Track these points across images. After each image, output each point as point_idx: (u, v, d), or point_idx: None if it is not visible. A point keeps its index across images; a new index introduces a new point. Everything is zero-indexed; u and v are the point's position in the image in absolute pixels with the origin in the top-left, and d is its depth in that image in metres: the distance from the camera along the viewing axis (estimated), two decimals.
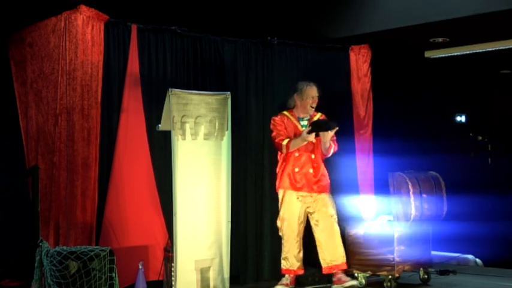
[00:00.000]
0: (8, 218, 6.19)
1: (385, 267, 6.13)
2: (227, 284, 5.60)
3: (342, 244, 6.20)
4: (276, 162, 6.79)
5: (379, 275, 6.25)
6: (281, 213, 6.23)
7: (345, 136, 6.73)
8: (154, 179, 6.11)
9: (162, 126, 5.57)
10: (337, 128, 6.06)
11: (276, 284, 6.21)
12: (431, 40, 7.80)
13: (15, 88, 6.25)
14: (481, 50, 8.04)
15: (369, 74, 7.35)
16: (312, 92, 6.24)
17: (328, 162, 6.39)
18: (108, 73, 5.97)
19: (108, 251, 4.94)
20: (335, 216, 6.20)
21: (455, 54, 8.22)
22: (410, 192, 6.11)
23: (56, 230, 5.69)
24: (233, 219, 5.73)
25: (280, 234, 6.25)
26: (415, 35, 7.54)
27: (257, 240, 6.66)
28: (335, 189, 6.43)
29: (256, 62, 6.80)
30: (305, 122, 6.27)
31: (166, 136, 5.61)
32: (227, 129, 5.67)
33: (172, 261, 5.49)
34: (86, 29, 5.79)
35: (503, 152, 10.59)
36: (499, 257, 8.24)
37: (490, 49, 7.95)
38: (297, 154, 6.19)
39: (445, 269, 6.93)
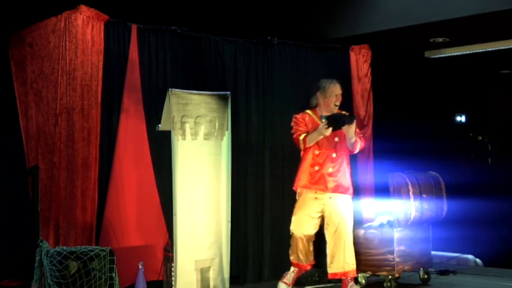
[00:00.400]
0: (8, 218, 6.19)
1: (385, 267, 6.13)
2: (227, 284, 5.60)
3: (352, 250, 6.00)
4: (277, 162, 6.81)
5: (379, 275, 6.25)
6: (295, 212, 6.08)
7: None
8: (154, 179, 6.10)
9: (162, 126, 5.57)
10: (355, 122, 5.88)
11: (278, 281, 6.18)
12: (431, 40, 7.80)
13: (15, 88, 6.25)
14: (481, 50, 8.04)
15: (369, 74, 7.35)
16: (335, 90, 6.08)
17: None
18: (108, 73, 5.97)
19: (108, 251, 4.94)
20: (350, 222, 6.02)
21: (455, 54, 8.22)
22: (410, 193, 6.11)
23: (56, 230, 5.69)
24: (233, 219, 5.72)
25: (290, 233, 6.10)
26: (415, 35, 7.54)
27: (257, 240, 6.65)
28: None
29: (256, 62, 6.80)
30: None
31: (166, 136, 5.60)
32: (227, 129, 5.67)
33: (172, 261, 5.48)
34: (86, 29, 5.79)
35: (503, 152, 10.59)
36: (499, 257, 8.24)
37: (490, 49, 7.95)
38: (317, 152, 6.02)
39: (445, 269, 6.94)
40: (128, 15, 6.16)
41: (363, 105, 7.30)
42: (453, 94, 10.25)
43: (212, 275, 5.54)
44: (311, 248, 6.09)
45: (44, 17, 5.97)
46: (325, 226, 6.05)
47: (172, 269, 5.49)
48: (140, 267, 5.74)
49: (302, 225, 6.04)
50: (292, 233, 6.09)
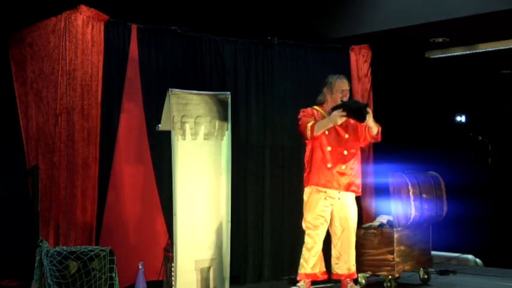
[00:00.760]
0: (8, 218, 6.19)
1: (385, 267, 6.13)
2: (227, 284, 5.60)
3: (354, 252, 6.00)
4: (277, 162, 6.79)
5: (379, 275, 6.25)
6: (305, 214, 5.97)
7: None
8: (154, 179, 6.10)
9: (162, 126, 5.57)
10: (370, 111, 5.73)
11: (278, 281, 6.17)
12: (431, 40, 7.80)
13: (15, 88, 6.25)
14: (481, 50, 8.04)
15: (369, 74, 7.35)
16: (342, 86, 5.97)
17: None
18: (108, 73, 5.97)
19: (108, 251, 4.94)
20: (355, 223, 6.01)
21: (456, 54, 8.22)
22: (410, 193, 6.11)
23: (56, 230, 5.69)
24: (233, 219, 5.72)
25: (305, 236, 5.96)
26: (415, 35, 7.54)
27: (257, 240, 6.65)
28: None
29: (256, 62, 6.80)
30: None
31: (166, 136, 5.60)
32: (227, 129, 5.67)
33: (172, 261, 5.48)
34: (86, 29, 5.79)
35: (503, 152, 10.59)
36: (499, 257, 8.24)
37: (490, 49, 7.95)
38: (329, 149, 5.88)
39: (445, 269, 6.94)
40: (128, 15, 6.17)
41: None
42: (453, 94, 10.25)
43: (212, 275, 5.54)
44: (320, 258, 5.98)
45: (44, 17, 5.98)
46: (333, 226, 5.98)
47: (172, 269, 5.49)
48: (140, 267, 5.74)
49: (313, 227, 5.92)
50: (306, 237, 5.94)
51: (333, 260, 6.01)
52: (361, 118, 5.73)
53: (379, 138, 6.01)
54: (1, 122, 6.38)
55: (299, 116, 6.00)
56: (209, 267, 5.53)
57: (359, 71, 7.31)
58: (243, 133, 6.62)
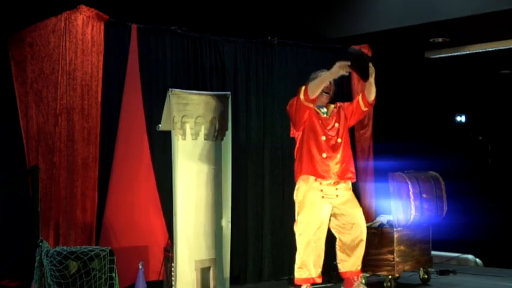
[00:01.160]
0: (8, 218, 6.19)
1: (385, 267, 6.13)
2: (227, 284, 5.60)
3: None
4: (277, 162, 6.79)
5: (379, 275, 6.25)
6: (299, 214, 5.66)
7: None
8: (154, 179, 6.10)
9: (162, 126, 5.57)
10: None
11: (277, 281, 6.14)
12: (431, 40, 7.79)
13: (15, 88, 6.25)
14: (481, 50, 8.04)
15: None
16: None
17: None
18: (108, 73, 5.97)
19: (108, 251, 4.94)
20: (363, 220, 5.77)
21: (455, 54, 8.22)
22: (410, 192, 6.11)
23: (56, 230, 5.69)
24: (233, 219, 5.72)
25: (296, 238, 5.65)
26: (415, 35, 7.54)
27: (257, 240, 6.65)
28: None
29: (256, 62, 6.80)
30: (324, 109, 5.74)
31: (166, 136, 5.61)
32: (227, 129, 5.67)
33: (172, 261, 5.49)
34: (86, 29, 5.79)
35: (503, 152, 10.59)
36: (499, 257, 8.24)
37: (490, 49, 7.95)
38: (324, 138, 5.58)
39: (445, 269, 6.94)
40: (128, 15, 6.17)
41: None
42: (453, 94, 10.25)
43: (212, 275, 5.54)
44: (321, 259, 5.67)
45: (44, 17, 5.98)
46: (339, 227, 5.76)
47: (172, 269, 5.49)
48: (140, 267, 5.74)
49: (308, 229, 5.60)
50: (297, 239, 5.63)
51: (340, 256, 5.79)
52: (365, 75, 5.22)
53: (373, 105, 5.70)
54: (1, 122, 6.38)
55: (289, 103, 5.71)
56: (209, 267, 5.54)
57: None
58: (243, 133, 6.63)
